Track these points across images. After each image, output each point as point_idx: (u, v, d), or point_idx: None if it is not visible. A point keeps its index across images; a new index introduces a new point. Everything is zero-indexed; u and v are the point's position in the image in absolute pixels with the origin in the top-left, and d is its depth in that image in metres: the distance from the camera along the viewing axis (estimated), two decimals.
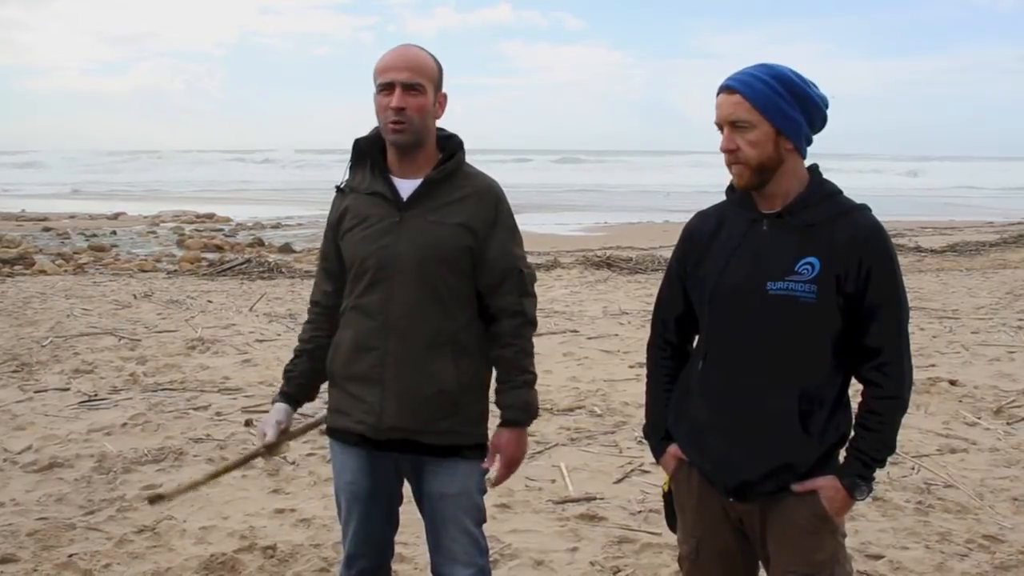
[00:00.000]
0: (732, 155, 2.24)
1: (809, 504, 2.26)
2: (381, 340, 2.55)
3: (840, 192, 2.30)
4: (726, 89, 2.25)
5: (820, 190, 2.28)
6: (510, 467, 2.66)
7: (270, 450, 2.70)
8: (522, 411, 2.63)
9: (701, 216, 2.46)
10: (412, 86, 2.50)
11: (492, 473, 2.69)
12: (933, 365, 7.78)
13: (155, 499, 2.76)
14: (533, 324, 2.66)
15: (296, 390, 2.77)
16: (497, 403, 2.66)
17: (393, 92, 2.49)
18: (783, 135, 2.23)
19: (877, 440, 2.26)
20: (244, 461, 2.96)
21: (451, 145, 2.63)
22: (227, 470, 2.95)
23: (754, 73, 2.23)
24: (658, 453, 2.53)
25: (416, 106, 2.50)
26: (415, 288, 2.53)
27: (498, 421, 2.65)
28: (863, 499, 2.29)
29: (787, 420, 2.21)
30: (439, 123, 2.65)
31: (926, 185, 51.69)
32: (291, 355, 2.83)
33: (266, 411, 6.58)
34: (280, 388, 2.80)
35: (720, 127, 2.27)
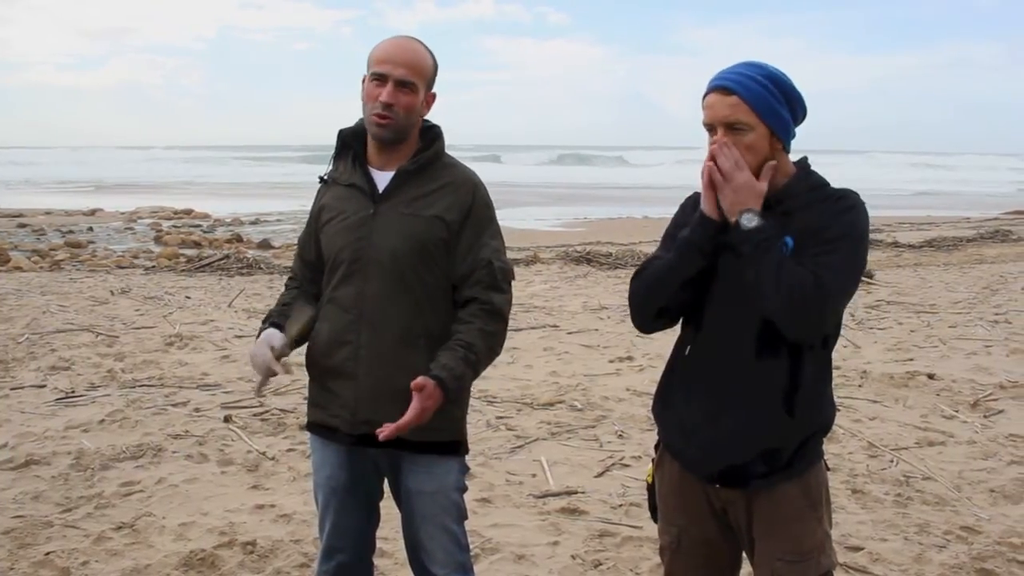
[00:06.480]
0: None
1: (797, 491, 2.26)
2: (354, 334, 2.53)
3: (827, 184, 2.28)
4: (721, 89, 2.19)
5: (806, 180, 2.27)
6: (413, 416, 2.37)
7: (279, 358, 2.52)
8: (448, 371, 2.41)
9: (697, 196, 2.37)
10: (406, 84, 2.47)
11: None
12: (911, 359, 7.85)
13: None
14: (498, 315, 2.51)
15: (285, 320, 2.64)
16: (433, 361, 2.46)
17: (385, 84, 2.46)
18: (776, 135, 2.21)
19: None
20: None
21: (429, 135, 2.60)
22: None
23: (747, 73, 2.18)
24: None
25: (405, 104, 2.48)
26: (388, 281, 2.51)
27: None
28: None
29: (772, 402, 2.21)
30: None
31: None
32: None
33: (245, 407, 6.52)
34: (271, 320, 2.64)
35: (710, 127, 2.21)
